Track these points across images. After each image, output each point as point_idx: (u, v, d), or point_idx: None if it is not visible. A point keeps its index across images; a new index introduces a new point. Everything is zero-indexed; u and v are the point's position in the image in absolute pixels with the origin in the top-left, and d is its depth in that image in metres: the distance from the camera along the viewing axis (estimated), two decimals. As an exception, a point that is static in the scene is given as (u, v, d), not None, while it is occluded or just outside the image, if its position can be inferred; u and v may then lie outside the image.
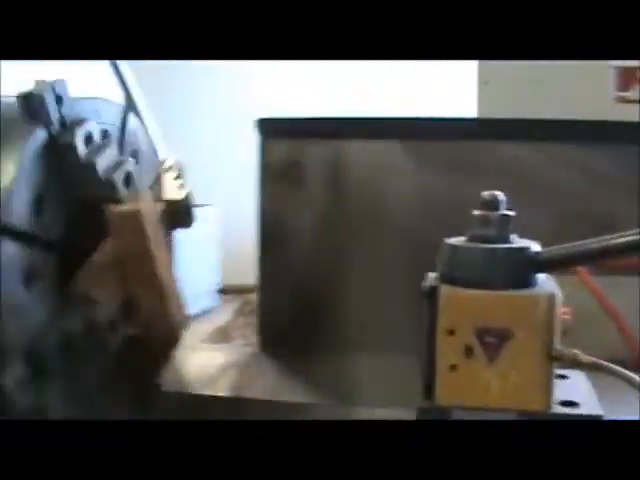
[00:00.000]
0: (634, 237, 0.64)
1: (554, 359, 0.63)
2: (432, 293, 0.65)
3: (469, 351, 0.64)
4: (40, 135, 0.79)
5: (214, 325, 1.61)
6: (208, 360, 1.21)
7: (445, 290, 0.65)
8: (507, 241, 0.67)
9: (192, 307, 1.12)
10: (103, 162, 0.85)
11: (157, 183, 1.00)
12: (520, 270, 0.65)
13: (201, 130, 1.98)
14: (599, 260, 0.72)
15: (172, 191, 0.99)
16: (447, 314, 0.64)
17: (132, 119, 1.00)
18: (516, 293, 0.64)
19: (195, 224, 1.00)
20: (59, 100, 0.81)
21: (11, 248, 0.74)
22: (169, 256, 0.95)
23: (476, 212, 0.67)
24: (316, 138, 1.26)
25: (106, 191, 0.86)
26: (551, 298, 0.63)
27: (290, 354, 1.21)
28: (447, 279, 0.66)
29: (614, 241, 0.64)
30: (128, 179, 0.90)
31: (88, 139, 0.84)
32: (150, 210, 0.89)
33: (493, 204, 0.67)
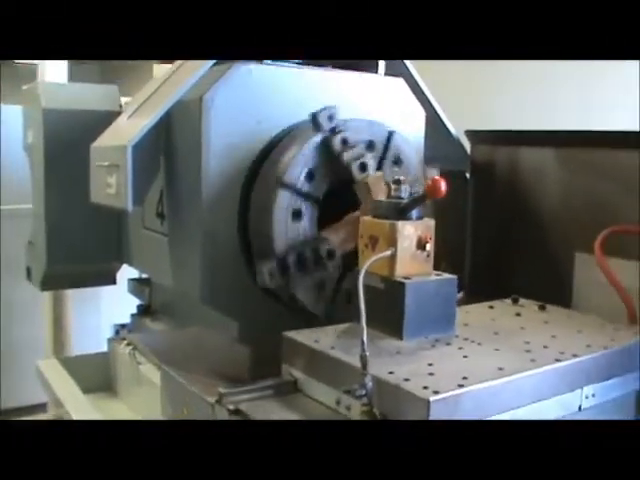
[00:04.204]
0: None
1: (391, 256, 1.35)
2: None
3: (367, 245, 1.41)
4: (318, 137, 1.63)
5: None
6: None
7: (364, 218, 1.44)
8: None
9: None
10: (348, 155, 1.58)
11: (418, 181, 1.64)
12: (394, 213, 1.37)
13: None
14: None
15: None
16: (362, 228, 1.43)
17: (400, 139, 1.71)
18: (382, 221, 1.37)
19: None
20: (331, 118, 1.61)
21: (287, 198, 1.52)
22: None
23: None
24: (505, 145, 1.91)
25: (347, 173, 1.55)
26: (392, 226, 1.35)
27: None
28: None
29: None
30: (364, 167, 1.59)
31: (344, 141, 1.61)
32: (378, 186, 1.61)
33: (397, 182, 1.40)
